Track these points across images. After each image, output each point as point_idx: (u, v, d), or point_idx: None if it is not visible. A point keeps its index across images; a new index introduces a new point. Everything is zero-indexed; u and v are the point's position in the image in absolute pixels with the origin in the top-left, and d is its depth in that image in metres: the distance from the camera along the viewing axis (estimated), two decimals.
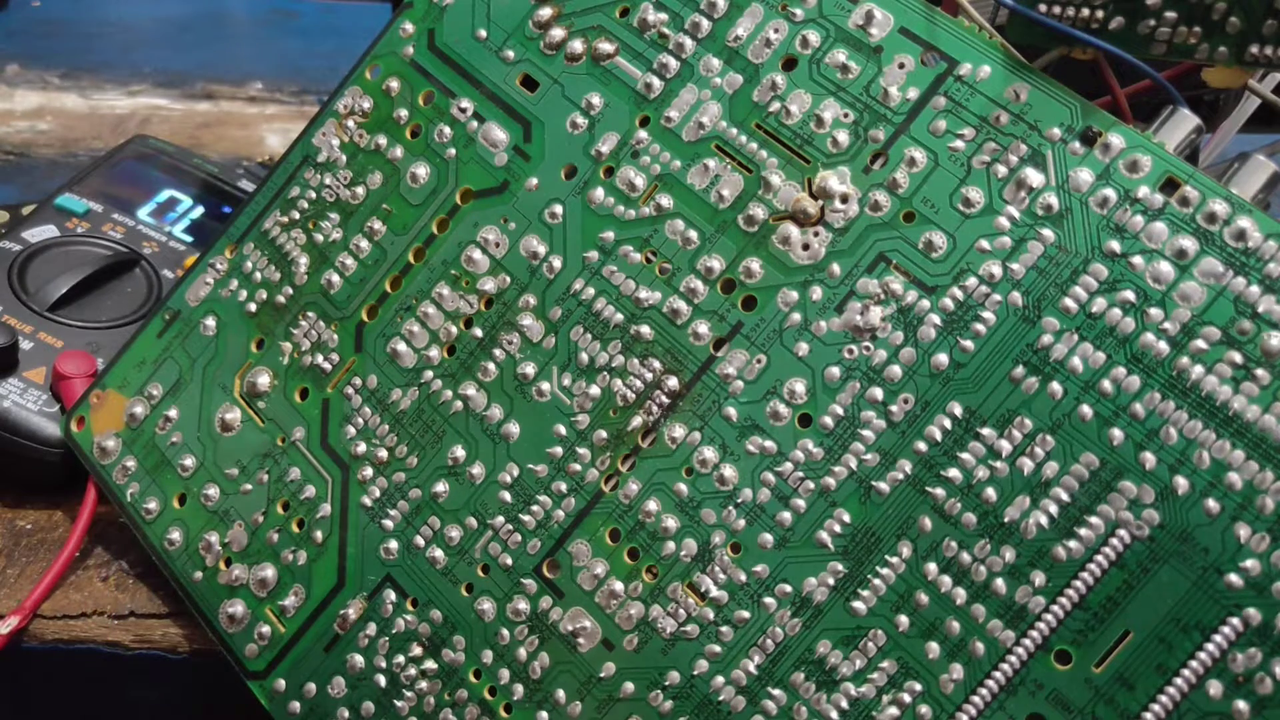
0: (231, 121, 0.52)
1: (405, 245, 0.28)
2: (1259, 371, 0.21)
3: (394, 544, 0.27)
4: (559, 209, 0.27)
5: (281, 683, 0.27)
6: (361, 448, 0.28)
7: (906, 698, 0.22)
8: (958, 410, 0.23)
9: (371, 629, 0.27)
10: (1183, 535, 0.21)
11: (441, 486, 0.27)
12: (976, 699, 0.21)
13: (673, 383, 0.25)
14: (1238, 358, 0.21)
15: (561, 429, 0.26)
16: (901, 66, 0.24)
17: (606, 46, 0.27)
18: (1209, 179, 0.22)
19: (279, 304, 0.29)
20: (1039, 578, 0.21)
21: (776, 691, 0.23)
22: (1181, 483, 0.21)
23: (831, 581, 0.23)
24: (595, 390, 0.26)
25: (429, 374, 0.27)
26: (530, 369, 0.26)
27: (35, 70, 0.55)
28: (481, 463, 0.26)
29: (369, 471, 0.27)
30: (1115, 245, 0.22)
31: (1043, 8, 0.24)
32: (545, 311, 0.26)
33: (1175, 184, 0.22)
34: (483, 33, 0.29)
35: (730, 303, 0.25)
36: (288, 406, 0.29)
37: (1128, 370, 0.21)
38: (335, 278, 0.29)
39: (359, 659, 0.26)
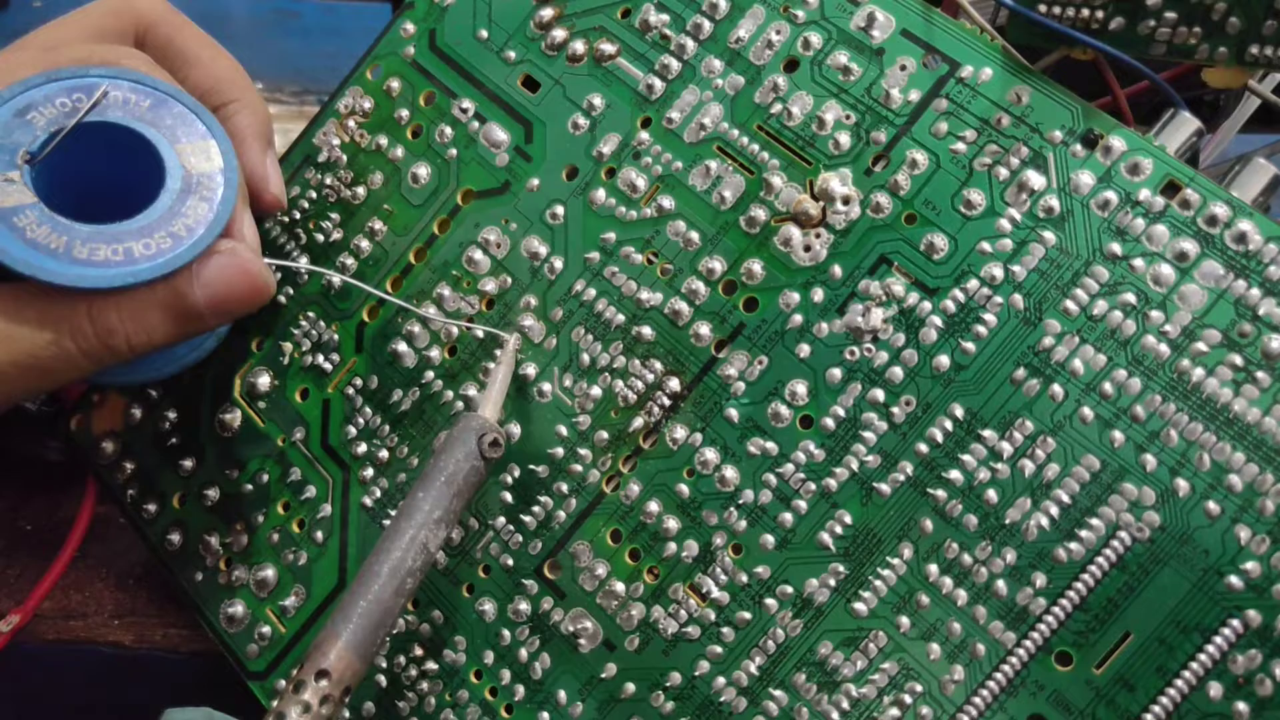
0: None
1: (406, 245, 0.28)
2: (1259, 374, 0.21)
3: None
4: (560, 210, 0.27)
5: (282, 683, 0.27)
6: (362, 448, 0.28)
7: (908, 698, 0.22)
8: (959, 412, 0.23)
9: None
10: (1183, 537, 0.21)
11: None
12: (978, 700, 0.21)
13: (674, 384, 0.25)
14: (1238, 360, 0.21)
15: (563, 430, 0.26)
16: (903, 69, 0.24)
17: (608, 47, 0.27)
18: (1210, 182, 0.22)
19: (280, 303, 0.29)
20: (1040, 579, 0.21)
21: (778, 692, 0.23)
22: (1182, 485, 0.21)
23: (833, 583, 0.23)
24: (596, 391, 0.26)
25: (430, 374, 0.27)
26: (531, 369, 0.26)
27: None
28: None
29: (370, 472, 0.27)
30: (1116, 248, 0.22)
31: (1043, 8, 0.24)
32: (546, 312, 0.26)
33: (1176, 187, 0.22)
34: (484, 33, 0.29)
35: (732, 304, 0.25)
36: (288, 406, 0.29)
37: (1129, 372, 0.21)
38: (336, 278, 0.29)
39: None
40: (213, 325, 0.24)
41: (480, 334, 0.27)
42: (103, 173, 0.24)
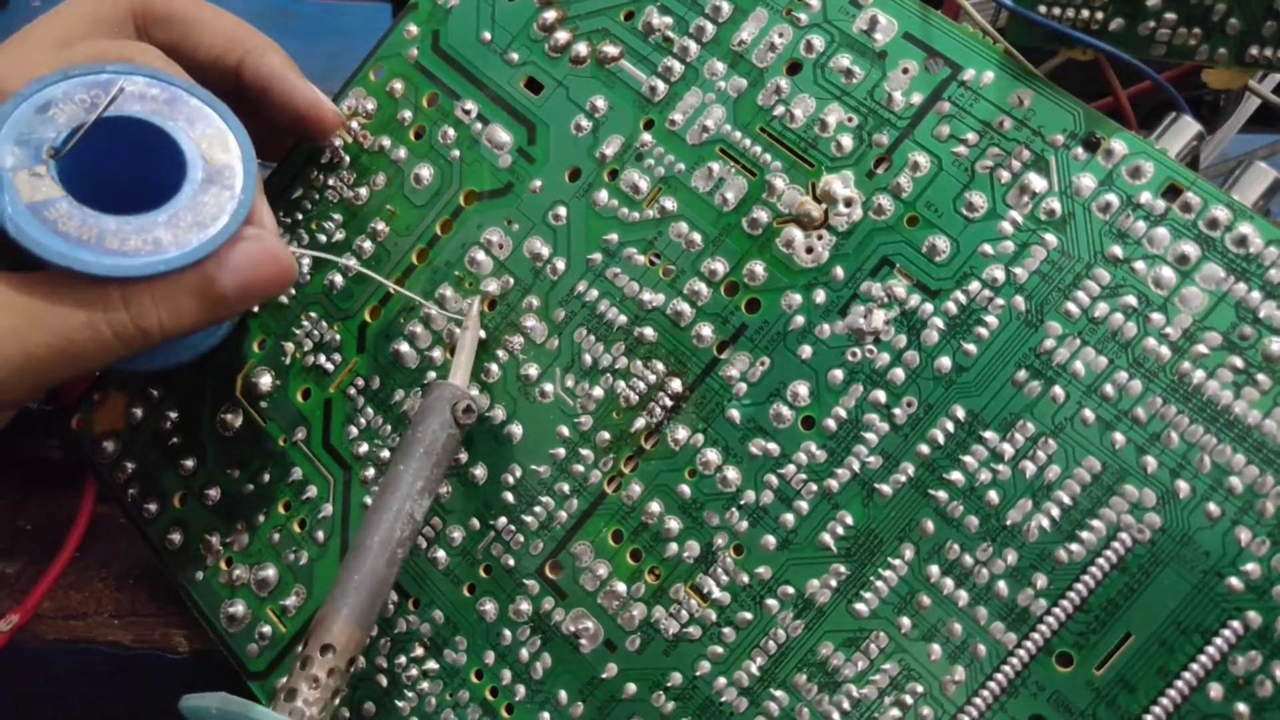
0: None
1: (409, 246, 0.28)
2: (1260, 376, 0.21)
3: None
4: (563, 211, 0.27)
5: (283, 681, 0.27)
6: (364, 448, 0.28)
7: (909, 699, 0.22)
8: (960, 413, 0.23)
9: (373, 629, 0.27)
10: (1184, 539, 0.21)
11: (444, 488, 0.27)
12: (979, 700, 0.22)
13: (676, 385, 0.25)
14: (1239, 362, 0.21)
15: (564, 430, 0.26)
16: (905, 72, 0.24)
17: (611, 50, 0.27)
18: (1211, 185, 0.22)
19: (281, 303, 0.29)
20: (1041, 580, 0.21)
21: (779, 693, 0.23)
22: (1183, 486, 0.21)
23: (834, 583, 0.23)
24: (598, 392, 0.26)
25: (432, 374, 0.27)
26: (533, 370, 0.26)
27: None
28: (484, 464, 0.26)
29: (371, 472, 0.27)
30: (1117, 250, 0.22)
31: (1042, 9, 0.24)
32: (549, 313, 0.26)
33: (1177, 190, 0.22)
34: (487, 35, 0.29)
35: (734, 305, 0.25)
36: (290, 406, 0.29)
37: (1130, 374, 0.22)
38: (338, 278, 0.29)
39: (360, 659, 0.26)
40: (237, 310, 0.25)
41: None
42: (124, 167, 0.24)
